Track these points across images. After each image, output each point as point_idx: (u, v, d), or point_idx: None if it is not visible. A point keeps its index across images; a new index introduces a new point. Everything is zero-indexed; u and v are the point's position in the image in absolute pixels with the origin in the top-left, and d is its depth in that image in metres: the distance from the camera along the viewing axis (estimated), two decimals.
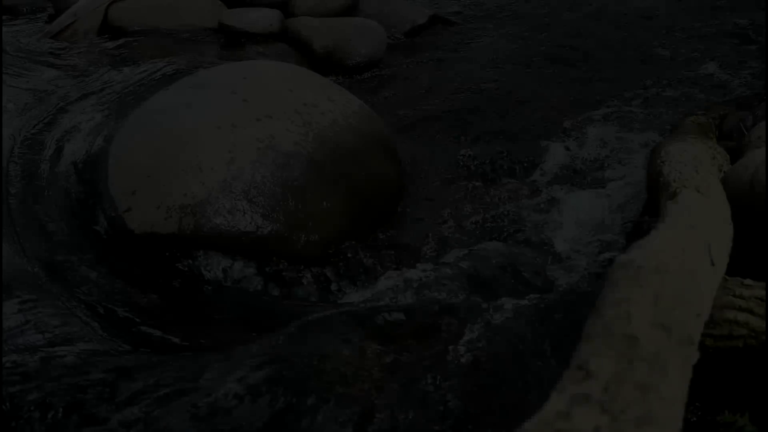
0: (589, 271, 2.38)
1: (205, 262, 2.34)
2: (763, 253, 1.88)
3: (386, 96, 4.18)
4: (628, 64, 4.57)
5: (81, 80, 3.68)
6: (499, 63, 4.65)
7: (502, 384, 1.72)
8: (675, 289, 1.17)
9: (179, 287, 2.30)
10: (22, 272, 2.23)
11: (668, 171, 2.08)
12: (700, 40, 4.97)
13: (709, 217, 1.65)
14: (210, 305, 2.25)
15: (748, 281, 1.67)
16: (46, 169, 2.82)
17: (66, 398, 1.67)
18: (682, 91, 4.10)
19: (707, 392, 1.49)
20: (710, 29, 5.16)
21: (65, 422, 1.61)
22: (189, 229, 2.32)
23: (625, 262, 1.22)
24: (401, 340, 1.89)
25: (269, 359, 1.78)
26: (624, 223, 2.62)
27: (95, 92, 3.50)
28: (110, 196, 2.40)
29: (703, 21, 5.37)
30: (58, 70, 3.86)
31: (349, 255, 2.51)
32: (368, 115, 3.01)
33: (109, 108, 3.29)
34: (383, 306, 2.09)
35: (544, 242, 2.59)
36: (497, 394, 1.69)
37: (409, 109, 3.96)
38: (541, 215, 2.80)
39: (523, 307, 1.97)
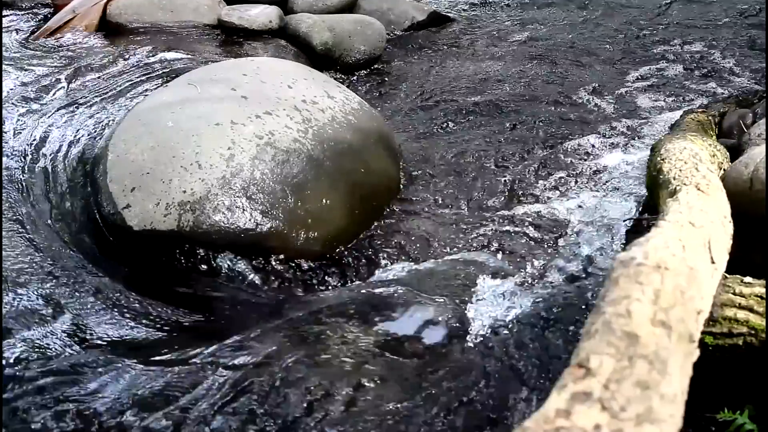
0: (588, 268, 2.38)
1: (204, 259, 2.33)
2: (763, 250, 1.88)
3: (386, 92, 4.18)
4: (627, 61, 4.57)
5: (79, 77, 3.67)
6: (497, 59, 4.65)
7: (501, 380, 1.72)
8: (675, 286, 1.17)
9: (178, 284, 2.30)
10: (21, 270, 2.23)
11: (668, 168, 2.08)
12: (699, 36, 4.97)
13: (709, 214, 1.65)
14: (209, 302, 2.24)
15: (748, 279, 1.67)
16: (45, 167, 2.81)
17: (65, 392, 1.67)
18: (680, 89, 4.10)
19: (707, 390, 1.49)
20: (710, 26, 5.16)
21: (65, 416, 1.61)
22: (188, 225, 2.32)
23: (625, 260, 1.22)
24: (400, 337, 1.89)
25: (268, 356, 1.78)
26: (624, 220, 2.62)
27: (94, 89, 3.49)
28: (109, 193, 2.40)
29: (702, 18, 5.37)
30: (57, 67, 3.85)
31: (349, 251, 2.51)
32: (368, 112, 3.00)
33: (108, 105, 3.29)
34: (382, 302, 2.09)
35: (543, 237, 2.59)
36: (496, 391, 1.69)
37: (408, 105, 3.96)
38: (539, 211, 2.79)
39: (522, 303, 1.97)
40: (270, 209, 2.39)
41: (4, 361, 1.76)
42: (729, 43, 4.85)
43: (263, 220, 2.37)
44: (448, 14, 5.62)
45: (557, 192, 2.94)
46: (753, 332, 1.58)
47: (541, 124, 3.66)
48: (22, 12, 5.07)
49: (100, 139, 2.85)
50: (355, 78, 4.43)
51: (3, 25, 4.57)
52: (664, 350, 1.00)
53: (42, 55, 4.06)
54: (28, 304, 2.05)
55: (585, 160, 3.22)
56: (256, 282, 2.32)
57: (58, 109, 3.25)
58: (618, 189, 2.92)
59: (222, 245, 2.35)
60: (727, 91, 4.03)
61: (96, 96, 3.40)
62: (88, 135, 2.99)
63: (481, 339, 1.85)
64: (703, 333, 1.37)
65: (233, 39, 4.42)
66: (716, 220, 1.65)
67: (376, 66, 4.58)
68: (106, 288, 2.23)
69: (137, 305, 2.15)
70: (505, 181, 3.05)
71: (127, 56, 3.95)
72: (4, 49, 4.05)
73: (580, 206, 2.81)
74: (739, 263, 1.69)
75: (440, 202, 2.91)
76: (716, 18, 5.43)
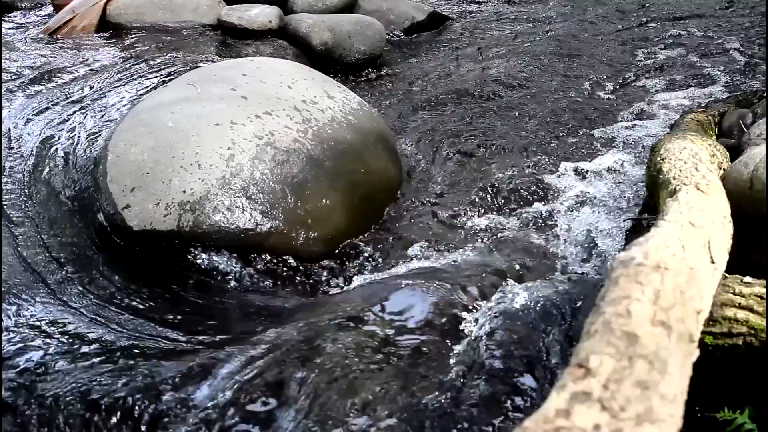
0: (588, 267, 2.38)
1: (204, 259, 2.33)
2: (763, 250, 1.88)
3: (385, 92, 4.18)
4: (628, 61, 4.58)
5: (79, 77, 3.68)
6: (497, 60, 4.65)
7: (500, 379, 1.72)
8: (675, 286, 1.17)
9: (178, 284, 2.30)
10: (21, 270, 2.23)
11: (668, 168, 2.08)
12: (698, 36, 4.97)
13: (708, 214, 1.65)
14: (208, 302, 2.24)
15: (747, 279, 1.67)
16: (45, 167, 2.81)
17: (64, 393, 1.67)
18: (680, 88, 4.11)
19: (707, 390, 1.49)
20: (710, 26, 5.17)
21: (66, 419, 1.60)
22: (188, 226, 2.32)
23: (625, 260, 1.22)
24: (401, 336, 1.89)
25: (268, 355, 1.78)
26: (624, 220, 2.62)
27: (93, 89, 3.49)
28: (109, 193, 2.40)
29: (703, 17, 5.38)
30: (57, 67, 3.85)
31: (349, 251, 2.51)
32: (367, 112, 3.00)
33: (108, 104, 3.29)
34: (383, 302, 2.08)
35: (543, 235, 2.59)
36: (496, 390, 1.69)
37: (408, 105, 3.96)
38: (540, 209, 2.80)
39: (522, 302, 1.97)
40: (270, 209, 2.39)
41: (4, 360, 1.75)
42: (726, 30, 4.90)
43: (263, 220, 2.37)
44: (448, 14, 5.62)
45: (558, 190, 2.94)
46: (753, 332, 1.58)
47: (541, 121, 3.66)
48: (22, 12, 5.07)
49: (100, 138, 2.85)
50: (354, 78, 4.43)
51: (3, 26, 4.57)
52: (664, 350, 1.00)
53: (42, 55, 4.06)
54: (29, 305, 2.05)
55: (586, 157, 3.23)
56: (256, 282, 2.32)
57: (58, 109, 3.25)
58: (620, 187, 2.93)
59: (222, 245, 2.35)
60: (726, 77, 4.07)
61: (96, 96, 3.40)
62: (88, 135, 2.99)
63: (483, 337, 1.85)
64: (703, 333, 1.37)
65: (233, 39, 4.42)
66: (716, 220, 1.65)
67: (376, 66, 4.58)
68: (107, 288, 2.23)
69: (137, 305, 2.15)
70: (505, 179, 3.05)
71: (126, 56, 3.95)
72: (4, 49, 4.05)
73: (580, 204, 2.81)
74: (739, 263, 1.69)
75: (440, 201, 2.91)
76: (710, 7, 5.48)
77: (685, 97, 3.93)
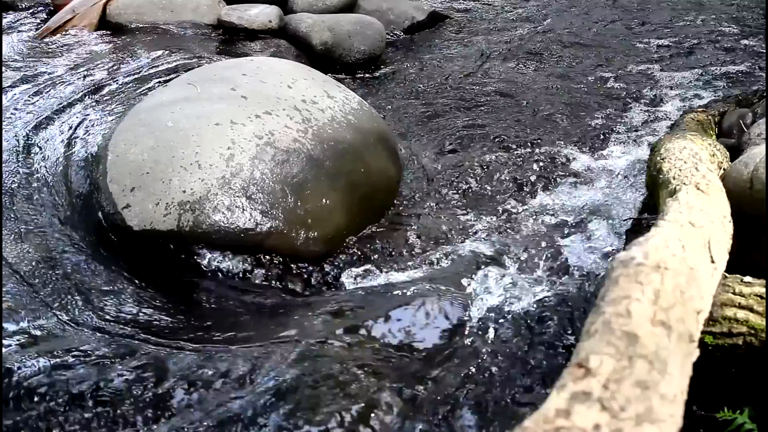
0: (588, 267, 2.38)
1: (204, 259, 2.33)
2: (763, 250, 1.88)
3: (385, 92, 4.18)
4: (626, 60, 4.58)
5: (79, 77, 3.67)
6: (498, 59, 4.65)
7: (500, 379, 1.72)
8: (675, 286, 1.17)
9: (178, 284, 2.30)
10: (20, 271, 2.23)
11: (668, 168, 2.08)
12: (697, 36, 4.98)
13: (708, 214, 1.65)
14: (208, 302, 2.24)
15: (747, 279, 1.67)
16: (45, 167, 2.81)
17: (66, 395, 1.67)
18: (681, 84, 4.11)
19: (707, 389, 1.49)
20: (709, 25, 5.18)
21: (68, 420, 1.60)
22: (188, 225, 2.32)
23: (625, 259, 1.22)
24: (401, 335, 1.89)
25: (267, 355, 1.78)
26: (624, 220, 2.62)
27: (93, 89, 3.49)
28: (109, 193, 2.40)
29: (702, 17, 5.39)
30: (57, 67, 3.84)
31: (349, 250, 2.51)
32: (368, 112, 3.00)
33: (108, 104, 3.29)
34: (383, 301, 2.09)
35: (543, 235, 2.59)
36: (495, 390, 1.69)
37: (408, 104, 3.96)
38: (540, 208, 2.80)
39: (523, 302, 1.97)
40: (270, 209, 2.39)
41: (4, 359, 1.75)
42: (726, 22, 4.93)
43: (263, 220, 2.37)
44: (448, 14, 5.62)
45: (558, 189, 2.94)
46: (753, 332, 1.58)
47: (542, 118, 3.66)
48: (22, 12, 5.07)
49: (100, 138, 2.85)
50: (354, 78, 4.43)
51: (3, 25, 4.57)
52: (664, 350, 1.00)
53: (42, 55, 4.06)
54: (28, 306, 2.05)
55: (587, 154, 3.23)
56: (256, 282, 2.32)
57: (58, 109, 3.25)
58: (620, 185, 2.93)
59: (222, 245, 2.35)
60: (727, 69, 4.09)
61: (95, 96, 3.40)
62: (88, 135, 2.99)
63: (482, 338, 1.85)
64: (703, 333, 1.37)
65: (233, 39, 4.42)
66: (716, 220, 1.65)
67: (376, 66, 4.58)
68: (107, 288, 2.23)
69: (136, 305, 2.15)
70: (505, 179, 3.05)
71: (126, 56, 3.95)
72: (4, 49, 4.05)
73: (580, 204, 2.81)
74: (739, 263, 1.69)
75: (440, 201, 2.91)
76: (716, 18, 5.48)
77: (685, 93, 3.93)
